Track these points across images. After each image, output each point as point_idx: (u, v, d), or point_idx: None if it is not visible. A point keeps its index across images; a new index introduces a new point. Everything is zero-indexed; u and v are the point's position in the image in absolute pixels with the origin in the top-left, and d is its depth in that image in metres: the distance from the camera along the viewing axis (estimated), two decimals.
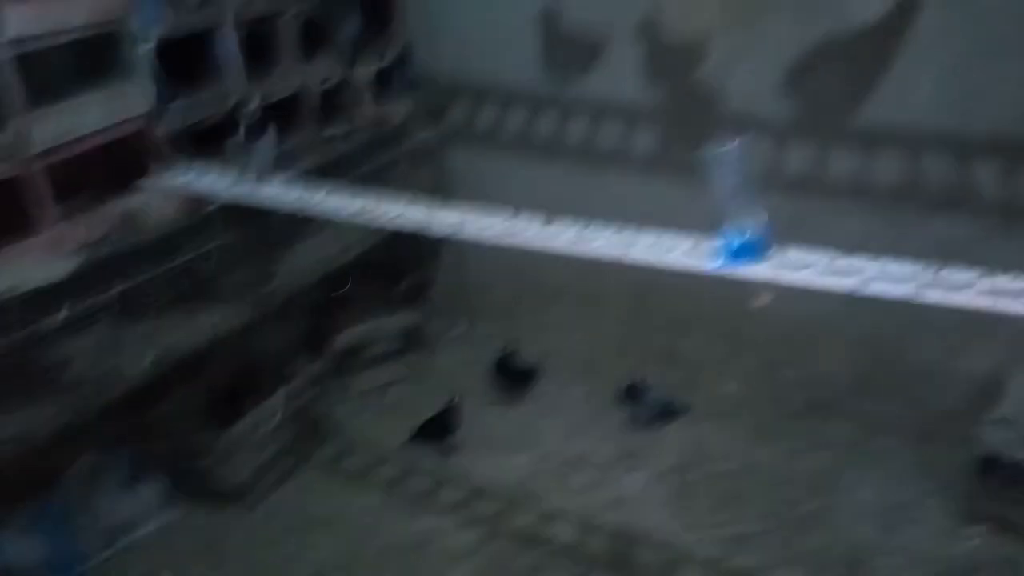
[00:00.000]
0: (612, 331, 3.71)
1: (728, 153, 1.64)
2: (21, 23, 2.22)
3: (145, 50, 2.57)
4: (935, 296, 1.56)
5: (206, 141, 2.85)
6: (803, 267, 1.69)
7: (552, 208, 3.28)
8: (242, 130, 2.59)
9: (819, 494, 2.94)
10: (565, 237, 1.92)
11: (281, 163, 2.84)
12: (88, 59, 2.53)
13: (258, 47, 2.95)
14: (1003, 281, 1.53)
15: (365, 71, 3.38)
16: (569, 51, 3.34)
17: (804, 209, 2.94)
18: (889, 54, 2.76)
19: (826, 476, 3.02)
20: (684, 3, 3.05)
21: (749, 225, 1.65)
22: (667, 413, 3.31)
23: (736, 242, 1.65)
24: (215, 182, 2.62)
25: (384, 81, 3.48)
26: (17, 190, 2.28)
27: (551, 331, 3.83)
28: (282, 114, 3.04)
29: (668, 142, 3.28)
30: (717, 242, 1.72)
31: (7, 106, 2.21)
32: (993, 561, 2.63)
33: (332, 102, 3.30)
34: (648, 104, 3.26)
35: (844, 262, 1.71)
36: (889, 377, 3.16)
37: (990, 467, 2.65)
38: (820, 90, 2.93)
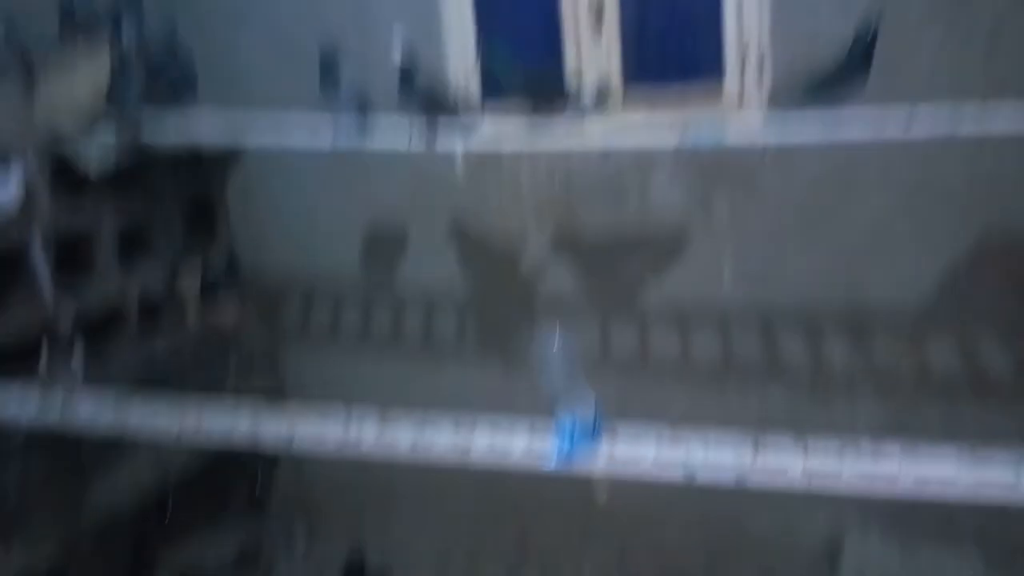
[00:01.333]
0: (461, 527, 3.59)
1: (552, 344, 1.69)
2: None
3: None
4: (758, 480, 1.60)
5: (14, 360, 2.64)
6: (635, 444, 1.70)
7: (391, 404, 3.31)
8: (48, 349, 2.40)
9: None
10: (402, 443, 1.87)
11: (99, 380, 2.67)
12: None
13: (73, 259, 2.83)
14: (817, 459, 1.58)
15: (190, 277, 3.30)
16: (387, 247, 3.45)
17: (633, 391, 3.06)
18: (689, 238, 3.02)
19: None
20: (499, 203, 3.24)
21: (581, 408, 1.67)
22: None
23: (569, 426, 1.66)
24: (19, 406, 2.40)
25: (211, 286, 3.39)
26: None
27: (398, 532, 3.66)
28: (101, 328, 2.89)
29: (495, 331, 3.36)
30: (553, 429, 1.72)
31: None
32: None
33: (156, 311, 3.18)
34: (471, 295, 3.37)
35: (672, 438, 1.74)
36: (738, 552, 3.20)
37: None
38: (628, 274, 3.13)
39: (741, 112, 2.87)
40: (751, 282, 2.98)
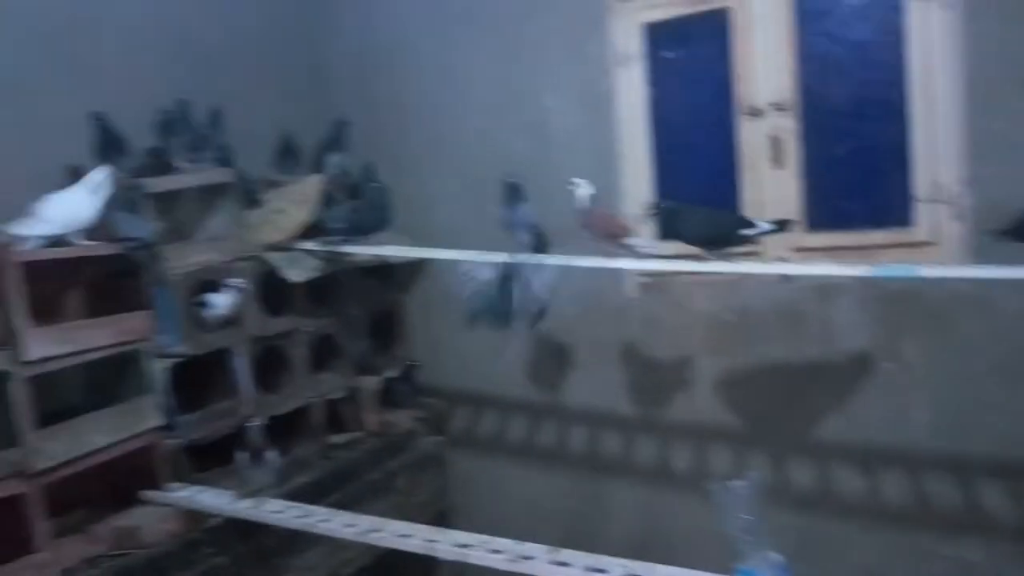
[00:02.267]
0: None
1: (736, 490, 1.65)
2: (44, 346, 2.31)
3: (161, 368, 2.66)
4: None
5: (211, 455, 2.88)
6: None
7: (555, 517, 3.32)
8: (247, 447, 2.60)
9: None
10: (574, 572, 1.87)
11: (287, 471, 2.85)
12: (103, 377, 2.62)
13: (270, 363, 3.08)
14: None
15: (371, 383, 3.49)
16: (553, 363, 3.51)
17: (815, 531, 2.92)
18: (876, 379, 2.88)
19: None
20: (670, 327, 3.24)
21: (763, 567, 1.62)
22: None
23: None
24: (215, 499, 2.60)
25: (389, 392, 3.58)
26: (18, 509, 2.25)
27: None
28: (290, 423, 3.10)
29: (665, 456, 3.31)
30: None
31: (18, 425, 2.24)
32: None
33: (338, 412, 3.38)
34: (638, 417, 3.35)
35: None
36: None
37: None
38: (806, 405, 3.02)
39: (931, 252, 2.75)
40: (945, 422, 2.79)
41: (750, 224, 2.48)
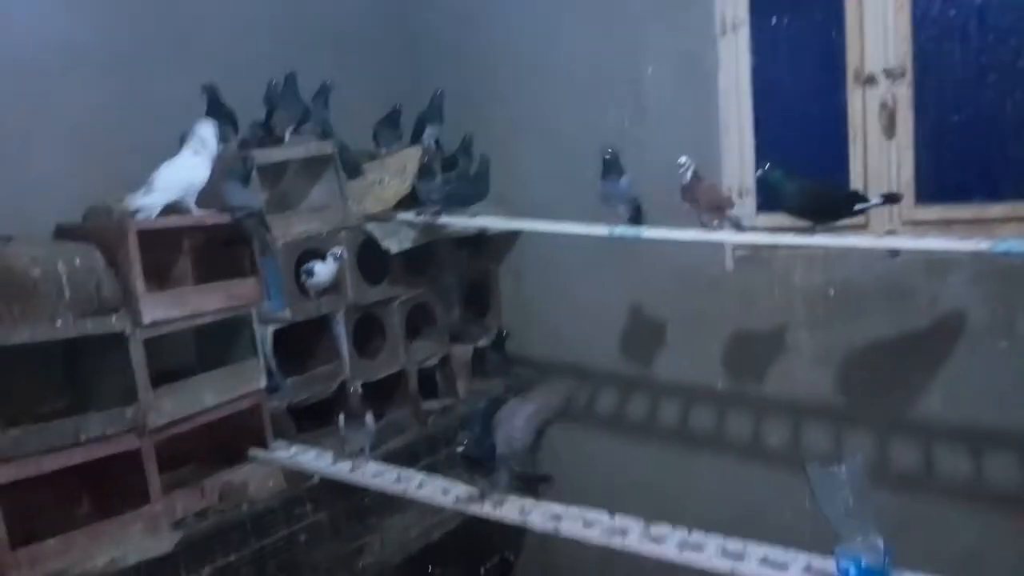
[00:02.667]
0: None
1: (836, 474, 1.61)
2: (158, 310, 2.42)
3: (267, 333, 2.77)
4: None
5: (311, 417, 2.99)
6: None
7: (644, 489, 3.31)
8: (346, 410, 2.68)
9: None
10: (668, 548, 1.87)
11: (382, 436, 2.94)
12: (213, 338, 2.74)
13: (367, 330, 3.16)
14: None
15: (464, 351, 3.54)
16: (647, 336, 3.48)
17: (915, 512, 2.83)
18: (986, 357, 2.76)
19: None
20: (769, 302, 3.16)
21: (865, 551, 1.58)
22: None
23: (853, 570, 1.57)
24: (316, 459, 2.70)
25: (481, 361, 3.63)
26: (134, 462, 2.38)
27: None
28: (386, 389, 3.19)
29: (759, 432, 3.25)
30: (831, 564, 1.64)
31: (134, 384, 2.36)
32: None
33: (432, 379, 3.45)
34: (732, 392, 3.30)
35: None
36: None
37: None
38: (920, 388, 2.91)
39: None
40: None
41: (859, 198, 2.40)
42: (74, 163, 2.66)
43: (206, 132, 2.60)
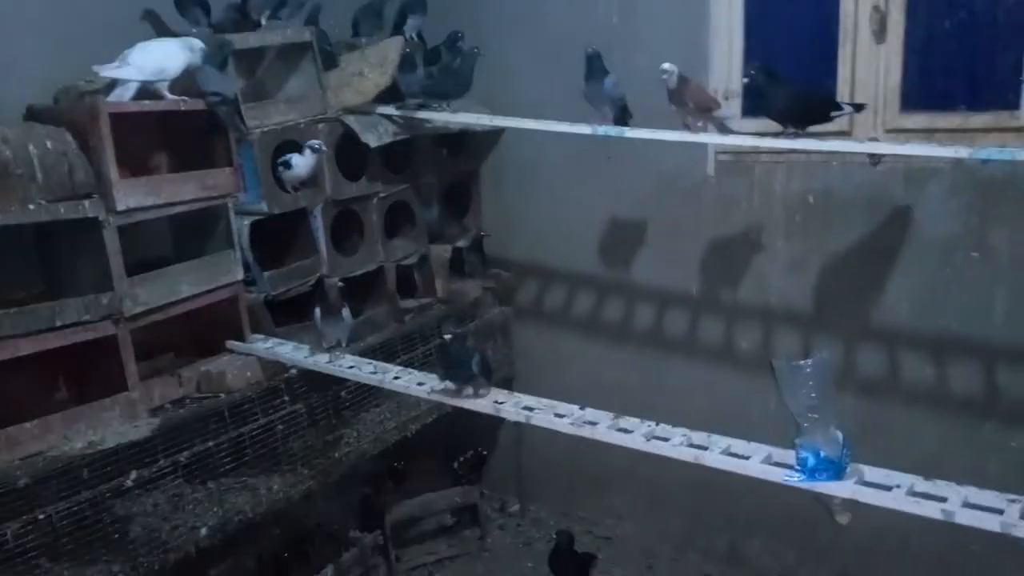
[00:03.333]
0: (673, 524, 3.61)
1: (802, 368, 1.64)
2: (133, 197, 2.39)
3: (243, 225, 2.74)
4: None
5: (289, 311, 2.99)
6: (882, 489, 1.64)
7: (616, 390, 3.38)
8: (323, 304, 2.69)
9: None
10: (635, 437, 1.92)
11: (359, 332, 2.96)
12: (189, 229, 2.72)
13: (346, 225, 3.14)
14: None
15: (442, 251, 3.54)
16: (626, 239, 3.49)
17: (878, 416, 2.91)
18: (958, 267, 2.80)
19: None
20: (749, 207, 3.17)
21: (825, 443, 1.63)
22: None
23: (811, 460, 1.62)
24: (293, 352, 2.72)
25: (459, 261, 3.63)
26: (110, 349, 2.39)
27: (608, 518, 3.75)
28: (363, 286, 3.20)
29: (731, 336, 3.31)
30: (792, 455, 1.70)
31: (111, 271, 2.35)
32: None
33: (410, 278, 3.46)
34: (707, 297, 3.34)
35: (926, 485, 1.66)
36: None
37: None
38: (881, 292, 2.96)
39: None
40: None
41: (834, 105, 2.39)
42: (45, 44, 2.57)
43: (195, 43, 2.53)
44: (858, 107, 2.54)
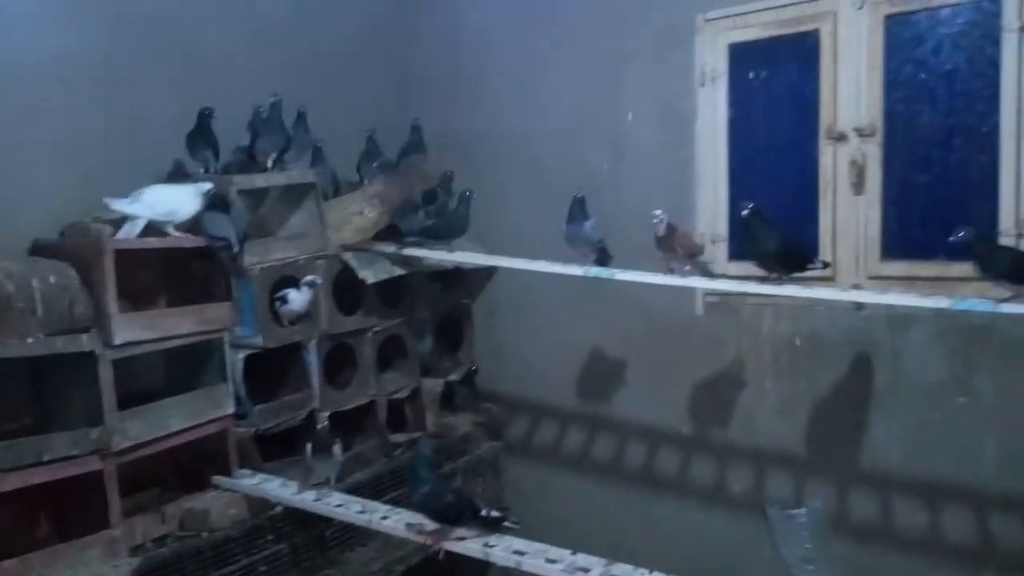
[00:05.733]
0: None
1: (795, 518, 1.64)
2: (130, 331, 2.42)
3: (238, 359, 2.76)
4: None
5: (278, 445, 2.97)
6: None
7: (607, 529, 3.32)
8: (313, 440, 2.68)
9: None
10: None
11: (348, 467, 2.92)
12: (183, 361, 2.73)
13: (339, 359, 3.16)
14: None
15: (434, 384, 3.55)
16: (612, 377, 3.52)
17: (873, 562, 2.86)
18: (945, 412, 2.83)
19: None
20: (737, 349, 3.22)
21: None
22: None
23: None
24: (280, 488, 2.68)
25: (451, 395, 3.63)
26: (95, 484, 2.35)
27: None
28: (354, 419, 3.19)
29: (722, 478, 3.29)
30: None
31: (102, 404, 2.34)
32: None
33: (401, 411, 3.45)
34: (697, 437, 3.34)
35: None
36: None
37: None
38: (880, 440, 2.96)
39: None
40: (1014, 460, 2.72)
41: (810, 259, 2.50)
42: (54, 179, 2.65)
43: (205, 187, 2.64)
44: (825, 264, 2.65)
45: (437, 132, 3.57)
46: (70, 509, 2.40)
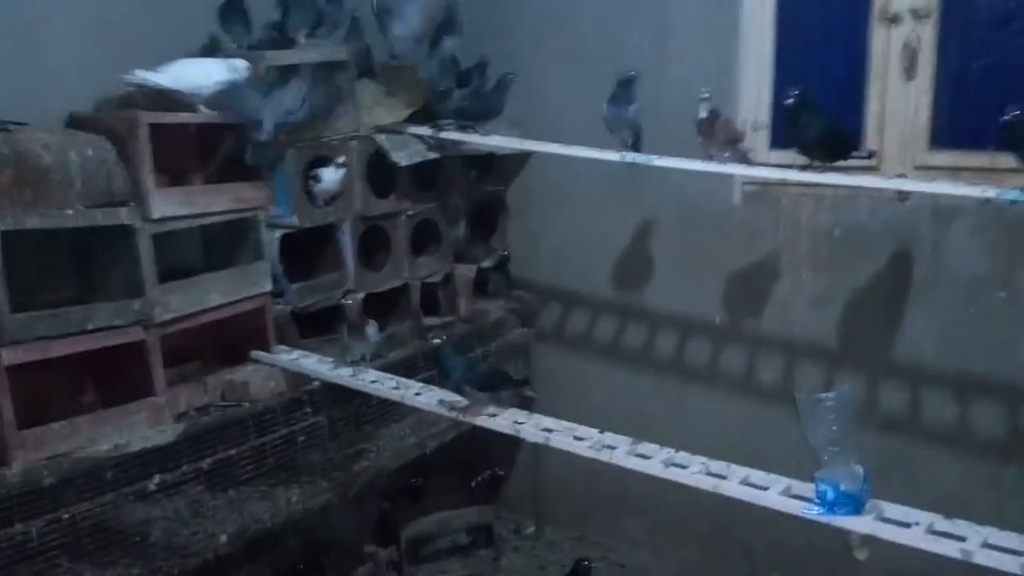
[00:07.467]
0: (690, 554, 3.58)
1: (823, 401, 1.65)
2: (167, 206, 2.46)
3: (273, 238, 2.79)
4: None
5: (314, 324, 3.03)
6: (901, 526, 1.63)
7: (636, 416, 3.38)
8: (348, 319, 2.73)
9: None
10: (653, 464, 1.92)
11: (383, 348, 2.99)
12: (219, 240, 2.77)
13: (373, 242, 3.18)
14: None
15: (467, 270, 3.57)
16: (644, 266, 3.51)
17: (899, 453, 2.89)
18: (983, 307, 2.79)
19: None
20: (775, 240, 3.18)
21: (845, 477, 1.63)
22: None
23: (831, 493, 1.62)
24: (317, 364, 2.76)
25: (483, 281, 3.66)
26: (139, 355, 2.44)
27: (624, 544, 3.73)
28: (388, 302, 3.24)
29: (753, 368, 3.30)
30: (811, 488, 1.70)
31: (143, 277, 2.40)
32: None
33: (434, 296, 3.49)
34: (729, 327, 3.34)
35: (946, 524, 1.65)
36: None
37: None
38: (915, 334, 2.94)
39: None
40: None
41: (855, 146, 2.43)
42: (88, 53, 2.64)
43: (239, 64, 2.60)
44: (870, 154, 2.60)
45: (475, 13, 3.45)
46: (116, 379, 2.49)
